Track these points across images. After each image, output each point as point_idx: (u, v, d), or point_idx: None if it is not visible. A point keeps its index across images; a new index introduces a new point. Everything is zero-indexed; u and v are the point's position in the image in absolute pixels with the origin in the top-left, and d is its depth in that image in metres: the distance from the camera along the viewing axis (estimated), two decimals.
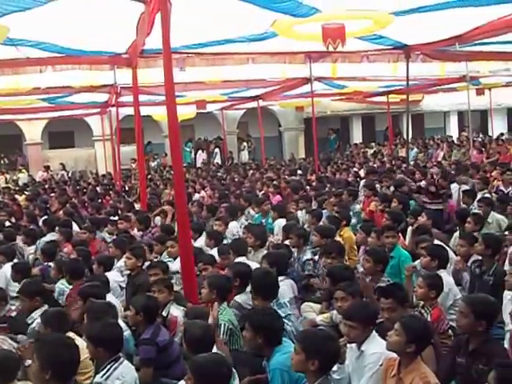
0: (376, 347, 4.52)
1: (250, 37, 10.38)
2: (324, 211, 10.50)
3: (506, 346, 4.92)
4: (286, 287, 6.38)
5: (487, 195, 10.54)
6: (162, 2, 6.23)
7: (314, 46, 10.30)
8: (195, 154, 28.97)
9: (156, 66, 11.45)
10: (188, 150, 28.81)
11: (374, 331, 4.67)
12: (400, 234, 8.31)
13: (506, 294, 5.59)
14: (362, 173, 16.77)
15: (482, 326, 4.46)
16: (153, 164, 27.02)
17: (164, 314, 5.94)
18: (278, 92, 19.21)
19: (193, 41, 10.69)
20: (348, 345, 4.70)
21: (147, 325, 5.32)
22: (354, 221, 10.04)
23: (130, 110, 14.27)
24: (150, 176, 20.57)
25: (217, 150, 28.84)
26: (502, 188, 11.71)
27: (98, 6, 7.94)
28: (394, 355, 4.32)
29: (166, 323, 5.86)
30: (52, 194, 16.98)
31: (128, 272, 7.36)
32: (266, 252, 7.65)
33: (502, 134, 27.42)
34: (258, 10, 7.91)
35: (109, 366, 4.48)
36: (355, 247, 8.66)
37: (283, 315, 5.51)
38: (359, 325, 4.59)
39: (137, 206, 12.65)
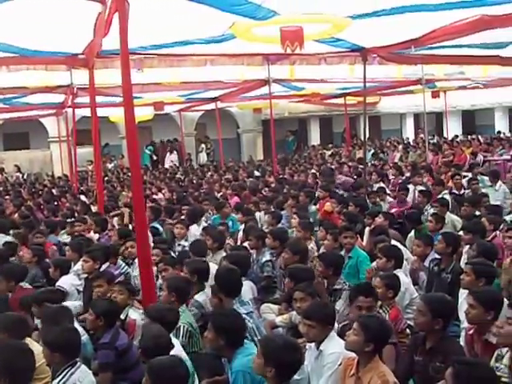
0: (335, 347, 4.56)
1: (209, 39, 10.36)
2: (283, 212, 10.55)
3: (462, 343, 5.00)
4: (246, 288, 6.39)
5: (445, 196, 10.74)
6: (119, 2, 6.16)
7: (273, 48, 10.32)
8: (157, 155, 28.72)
9: (113, 66, 11.33)
10: (149, 152, 28.63)
11: (332, 331, 4.70)
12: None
13: (462, 293, 5.69)
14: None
15: (439, 324, 4.54)
16: (110, 166, 26.77)
17: (122, 316, 5.89)
18: (236, 94, 19.21)
19: (151, 42, 10.61)
20: (307, 345, 4.73)
21: (106, 329, 5.25)
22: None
23: (86, 111, 14.11)
24: (107, 178, 20.37)
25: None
26: (454, 190, 11.92)
27: (55, 5, 7.82)
28: (353, 355, 4.35)
29: (125, 326, 5.81)
30: (7, 197, 16.69)
31: (85, 275, 7.27)
32: (224, 254, 7.67)
33: (456, 136, 27.89)
34: (216, 12, 7.90)
35: (65, 372, 4.41)
36: None
37: (245, 312, 5.51)
38: (318, 324, 4.62)
39: (94, 209, 12.51)
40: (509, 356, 4.13)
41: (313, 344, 4.74)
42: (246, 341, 4.72)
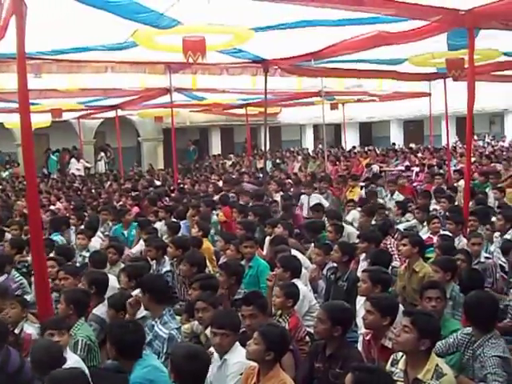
0: (239, 356, 4.57)
1: (110, 45, 10.21)
2: (183, 222, 10.52)
3: (360, 348, 5.13)
4: None
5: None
6: (16, 4, 5.95)
7: (175, 56, 10.30)
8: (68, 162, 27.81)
9: (9, 71, 10.98)
10: (55, 159, 27.79)
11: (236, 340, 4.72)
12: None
13: (359, 299, 5.85)
14: (220, 183, 16.98)
15: (338, 331, 4.64)
16: (4, 174, 25.78)
17: (17, 331, 5.67)
18: (137, 102, 19.00)
19: (50, 47, 10.34)
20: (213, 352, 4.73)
21: None
22: (212, 231, 10.14)
23: None
24: (1, 187, 19.63)
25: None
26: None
27: None
28: (255, 364, 4.38)
29: (20, 341, 5.58)
30: None
31: None
32: (123, 265, 7.57)
33: (354, 147, 28.70)
34: (118, 19, 7.80)
35: None
36: (214, 257, 8.72)
37: (175, 326, 5.46)
38: (231, 332, 4.63)
39: None
40: (404, 361, 4.28)
41: (215, 353, 4.74)
42: (145, 352, 4.64)
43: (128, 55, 11.06)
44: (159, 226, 10.47)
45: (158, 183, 19.04)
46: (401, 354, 4.35)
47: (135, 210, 12.50)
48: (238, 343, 4.67)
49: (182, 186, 17.21)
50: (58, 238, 9.82)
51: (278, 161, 25.60)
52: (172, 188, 16.48)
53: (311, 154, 26.86)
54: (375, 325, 4.83)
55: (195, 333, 5.74)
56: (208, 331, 5.38)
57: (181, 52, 8.78)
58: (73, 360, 4.68)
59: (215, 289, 6.12)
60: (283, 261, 6.74)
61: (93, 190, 17.55)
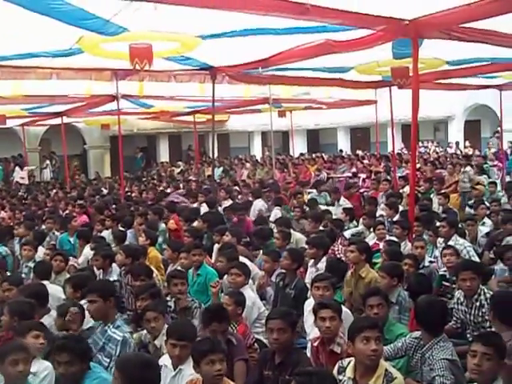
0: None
1: (55, 52, 10.04)
2: (130, 230, 10.42)
3: (309, 354, 5.16)
4: None
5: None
6: None
7: (121, 63, 10.21)
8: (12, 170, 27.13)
9: None
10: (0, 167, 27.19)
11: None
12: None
13: (307, 306, 5.89)
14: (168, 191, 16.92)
15: (295, 336, 4.70)
16: None
17: None
18: (83, 109, 18.73)
19: None
20: (161, 363, 4.68)
21: None
22: (160, 239, 10.08)
23: None
24: None
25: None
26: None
27: None
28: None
29: None
30: None
31: None
32: (68, 275, 7.46)
33: (301, 154, 28.90)
34: (63, 25, 7.68)
35: None
36: (162, 266, 8.66)
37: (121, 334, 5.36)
38: (190, 343, 4.60)
39: None
40: (352, 368, 4.31)
41: (169, 363, 4.70)
42: (93, 364, 4.57)
43: (73, 61, 10.90)
44: (106, 234, 10.35)
45: (105, 191, 18.83)
46: (347, 361, 4.38)
47: (83, 218, 12.34)
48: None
49: (129, 194, 17.06)
50: (1, 248, 9.62)
51: (227, 168, 25.56)
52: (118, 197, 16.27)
53: (259, 161, 26.95)
54: (336, 330, 4.89)
55: (143, 342, 5.69)
56: (157, 341, 5.35)
57: (127, 59, 8.72)
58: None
59: (162, 297, 6.07)
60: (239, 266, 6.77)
61: (38, 199, 17.22)
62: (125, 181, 18.81)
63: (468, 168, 15.44)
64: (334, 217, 10.66)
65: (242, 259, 7.57)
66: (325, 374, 3.90)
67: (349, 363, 4.35)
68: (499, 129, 20.22)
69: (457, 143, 27.24)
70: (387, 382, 4.15)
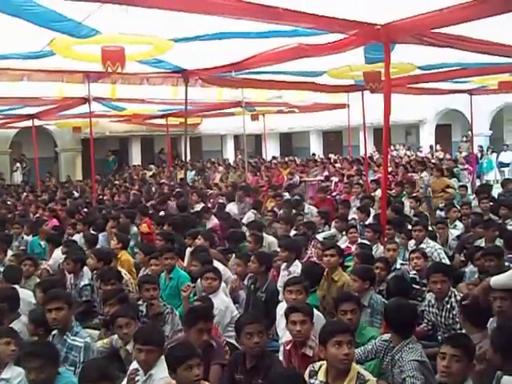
0: (164, 371, 4.50)
1: (26, 54, 9.95)
2: (102, 234, 10.36)
3: (281, 357, 5.17)
4: None
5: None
6: None
7: (94, 65, 10.14)
8: None
9: None
10: None
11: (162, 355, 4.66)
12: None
13: (279, 309, 5.89)
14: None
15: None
16: None
17: None
18: (55, 111, 18.57)
19: None
20: (131, 368, 4.65)
21: None
22: (132, 243, 10.03)
23: None
24: None
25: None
26: (275, 209, 12.36)
27: None
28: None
29: None
30: None
31: None
32: (38, 280, 7.39)
33: (274, 158, 28.93)
34: (34, 27, 7.61)
35: None
36: (133, 270, 8.61)
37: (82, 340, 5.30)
38: (157, 348, 4.57)
39: None
40: (324, 372, 4.32)
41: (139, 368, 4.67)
42: (63, 369, 4.52)
43: (45, 63, 10.81)
44: (78, 238, 10.26)
45: (76, 194, 18.68)
46: (319, 364, 4.39)
47: (53, 222, 12.22)
48: (163, 357, 4.61)
49: (101, 197, 16.93)
50: None
51: (200, 171, 25.48)
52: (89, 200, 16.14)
53: (232, 164, 26.93)
54: (308, 334, 4.89)
55: (114, 347, 5.65)
56: (129, 346, 5.31)
57: (100, 61, 8.67)
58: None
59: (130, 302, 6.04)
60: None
61: (8, 202, 17.03)
62: (96, 184, 18.66)
63: (424, 174, 15.59)
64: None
65: (215, 263, 7.56)
66: (296, 375, 3.96)
67: (320, 367, 4.36)
68: (470, 133, 20.46)
69: (431, 147, 27.48)
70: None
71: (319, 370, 4.35)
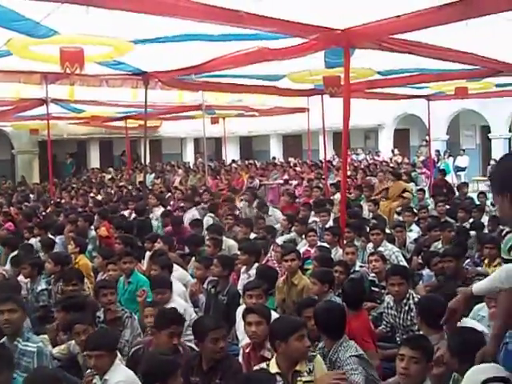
0: (120, 375, 4.47)
1: None
2: (59, 237, 10.22)
3: (241, 360, 5.16)
4: None
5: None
6: None
7: (52, 67, 10.01)
8: None
9: None
10: None
11: (117, 359, 4.61)
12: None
13: (238, 313, 5.89)
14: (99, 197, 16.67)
15: None
16: None
17: None
18: (11, 113, 18.28)
19: None
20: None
21: None
22: (90, 247, 9.92)
23: None
24: None
25: None
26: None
27: None
28: (138, 382, 4.31)
29: None
30: None
31: None
32: None
33: (234, 161, 28.95)
34: None
35: None
36: (92, 274, 8.52)
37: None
38: (107, 352, 4.51)
39: None
40: (274, 364, 4.36)
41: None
42: (14, 376, 4.43)
43: (1, 64, 10.63)
44: (34, 242, 10.10)
45: (32, 198, 18.39)
46: (266, 362, 4.48)
47: (8, 225, 12.01)
48: (119, 362, 4.56)
49: (58, 200, 16.71)
50: None
51: (160, 174, 25.34)
52: (49, 203, 15.90)
53: (192, 167, 26.84)
54: (264, 335, 4.88)
55: (72, 353, 5.57)
56: None
57: (58, 62, 8.56)
58: None
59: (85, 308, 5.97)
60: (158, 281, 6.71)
61: None
62: (54, 187, 18.42)
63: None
64: None
65: (174, 266, 7.53)
66: (264, 376, 4.00)
67: (269, 362, 4.42)
68: (427, 137, 20.76)
69: (393, 151, 27.77)
70: (309, 360, 4.34)
71: (269, 365, 4.39)
